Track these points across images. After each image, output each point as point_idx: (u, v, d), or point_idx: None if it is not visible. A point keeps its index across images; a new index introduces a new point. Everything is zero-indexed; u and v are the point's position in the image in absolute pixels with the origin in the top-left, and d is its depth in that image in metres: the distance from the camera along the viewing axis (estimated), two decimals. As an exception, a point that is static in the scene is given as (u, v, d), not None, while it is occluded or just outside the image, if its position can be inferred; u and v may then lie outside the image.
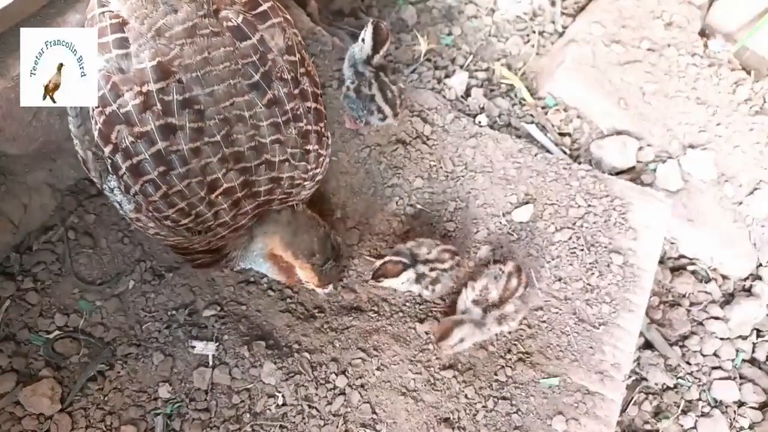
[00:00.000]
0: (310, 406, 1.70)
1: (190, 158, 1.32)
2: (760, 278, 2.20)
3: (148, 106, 1.29)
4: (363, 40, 1.90)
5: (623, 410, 1.94)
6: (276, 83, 1.39)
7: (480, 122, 2.19)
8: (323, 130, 1.53)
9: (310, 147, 1.47)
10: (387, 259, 1.73)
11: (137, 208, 1.39)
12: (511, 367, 1.77)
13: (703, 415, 1.99)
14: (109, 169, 1.36)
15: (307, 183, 1.53)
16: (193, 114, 1.31)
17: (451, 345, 1.67)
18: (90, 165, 1.45)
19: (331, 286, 1.69)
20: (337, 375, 1.73)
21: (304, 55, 1.52)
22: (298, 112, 1.43)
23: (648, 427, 1.96)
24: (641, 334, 2.03)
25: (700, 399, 2.02)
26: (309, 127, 1.46)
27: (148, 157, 1.30)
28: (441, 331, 1.67)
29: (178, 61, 1.31)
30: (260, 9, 1.44)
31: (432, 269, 1.74)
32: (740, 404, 2.03)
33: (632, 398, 1.98)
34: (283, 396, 1.71)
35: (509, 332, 1.80)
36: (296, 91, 1.43)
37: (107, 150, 1.33)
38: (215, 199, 1.38)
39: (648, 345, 2.07)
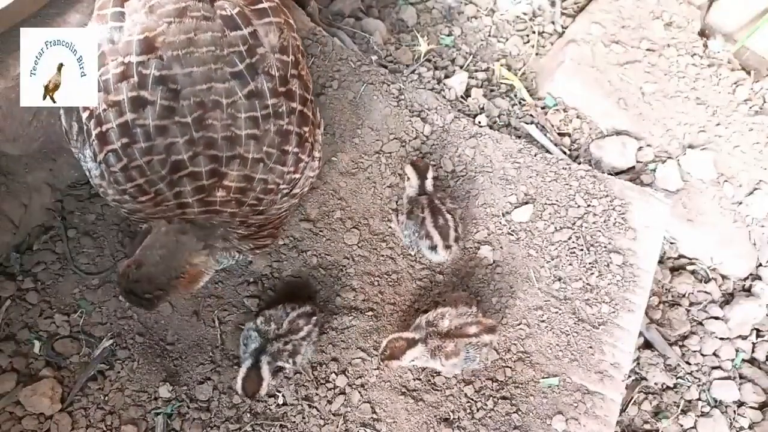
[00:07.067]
0: (310, 406, 1.70)
1: (155, 135, 1.31)
2: (759, 278, 2.21)
3: (125, 77, 1.31)
4: (408, 178, 1.87)
5: (623, 410, 1.94)
6: (261, 77, 1.37)
7: (480, 122, 2.19)
8: (307, 134, 1.47)
9: (288, 148, 1.43)
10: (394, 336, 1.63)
11: (101, 175, 1.39)
12: (510, 366, 1.77)
13: (703, 414, 1.99)
14: (85, 135, 1.37)
15: (283, 188, 1.46)
16: (167, 92, 1.31)
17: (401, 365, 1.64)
18: (73, 135, 1.45)
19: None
20: (337, 375, 1.73)
21: (299, 59, 1.50)
22: (280, 110, 1.40)
23: (648, 426, 1.96)
24: (641, 333, 2.03)
25: (699, 399, 2.02)
26: (290, 128, 1.42)
27: (114, 126, 1.31)
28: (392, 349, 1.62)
29: (162, 38, 1.32)
30: (260, 6, 1.44)
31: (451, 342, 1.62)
32: (740, 404, 2.03)
33: (632, 398, 1.98)
34: (283, 396, 1.71)
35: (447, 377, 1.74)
36: (282, 89, 1.40)
37: (84, 116, 1.35)
38: (177, 180, 1.34)
39: (648, 345, 2.07)
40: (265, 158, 1.39)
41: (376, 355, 1.75)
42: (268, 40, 1.41)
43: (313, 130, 1.52)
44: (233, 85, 1.35)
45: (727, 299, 2.18)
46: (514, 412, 1.72)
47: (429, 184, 1.87)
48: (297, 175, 1.49)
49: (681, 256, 2.23)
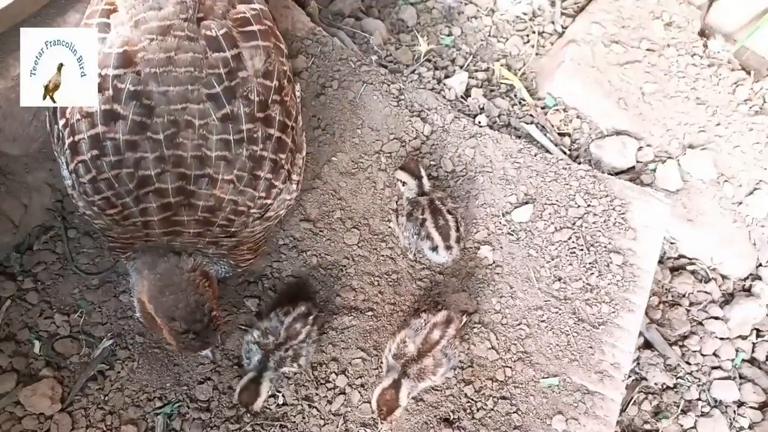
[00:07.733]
0: (310, 406, 1.70)
1: (125, 150, 1.31)
2: (759, 278, 2.21)
3: (101, 89, 1.31)
4: (403, 183, 1.86)
5: (623, 410, 1.94)
6: (239, 101, 1.36)
7: (480, 122, 2.19)
8: (283, 161, 1.45)
9: (260, 173, 1.40)
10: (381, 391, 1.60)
11: (73, 185, 1.39)
12: (510, 366, 1.77)
13: (703, 414, 1.99)
14: (60, 143, 1.38)
15: (253, 212, 1.44)
16: (141, 107, 1.31)
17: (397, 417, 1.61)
18: (53, 139, 1.46)
19: (207, 351, 1.56)
20: (337, 375, 1.74)
21: (284, 84, 1.48)
22: (255, 136, 1.38)
23: (648, 426, 1.96)
24: (641, 333, 2.03)
25: (699, 399, 2.02)
26: (264, 154, 1.40)
27: (86, 137, 1.32)
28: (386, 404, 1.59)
29: (142, 54, 1.32)
30: (249, 28, 1.43)
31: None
32: (740, 404, 2.03)
33: (632, 398, 1.98)
34: (283, 396, 1.71)
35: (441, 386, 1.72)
36: (260, 115, 1.39)
37: (61, 123, 1.36)
38: (143, 196, 1.34)
39: (648, 345, 2.07)
40: (235, 180, 1.38)
41: (376, 356, 1.75)
42: (252, 63, 1.40)
43: (291, 156, 1.50)
44: (208, 107, 1.34)
45: (727, 299, 2.18)
46: (514, 412, 1.72)
47: (425, 182, 1.87)
48: (269, 201, 1.46)
49: (681, 256, 2.23)
